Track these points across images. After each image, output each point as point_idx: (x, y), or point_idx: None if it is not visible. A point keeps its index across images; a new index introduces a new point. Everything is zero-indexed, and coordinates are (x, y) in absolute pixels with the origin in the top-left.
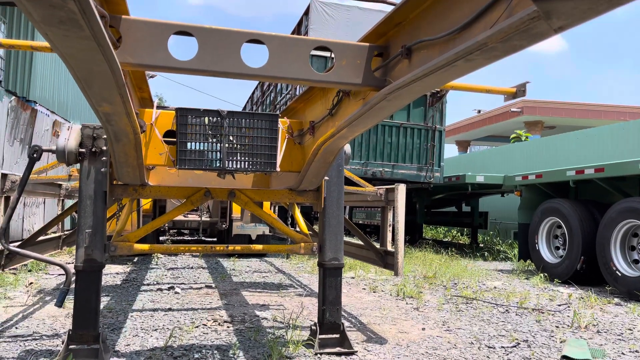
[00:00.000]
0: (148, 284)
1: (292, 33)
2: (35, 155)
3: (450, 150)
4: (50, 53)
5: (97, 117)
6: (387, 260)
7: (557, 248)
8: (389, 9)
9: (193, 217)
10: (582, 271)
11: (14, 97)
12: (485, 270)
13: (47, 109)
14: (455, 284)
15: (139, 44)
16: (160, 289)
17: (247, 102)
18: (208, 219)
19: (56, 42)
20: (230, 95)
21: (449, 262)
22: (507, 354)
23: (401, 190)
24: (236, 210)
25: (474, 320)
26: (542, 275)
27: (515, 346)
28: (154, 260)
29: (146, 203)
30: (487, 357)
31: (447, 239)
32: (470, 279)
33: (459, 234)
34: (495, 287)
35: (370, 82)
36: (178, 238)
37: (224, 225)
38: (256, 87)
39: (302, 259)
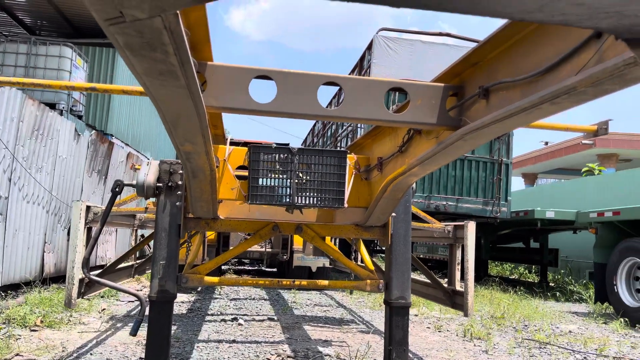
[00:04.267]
0: (212, 314)
1: (355, 67)
2: (117, 189)
3: (516, 183)
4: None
5: (177, 155)
6: (455, 300)
7: (638, 291)
8: (452, 41)
9: (255, 248)
10: None
11: (94, 131)
12: (558, 312)
13: (122, 142)
14: (526, 326)
15: (222, 88)
16: (224, 320)
17: (309, 134)
18: (270, 250)
19: (152, 90)
20: (291, 126)
21: (518, 302)
22: None
23: (471, 227)
24: (297, 241)
25: None
26: (622, 320)
27: None
28: (217, 290)
29: (211, 234)
30: None
31: (513, 277)
32: (543, 321)
33: (526, 271)
34: (570, 331)
35: (446, 121)
36: (239, 268)
37: (285, 257)
38: (317, 120)
39: (363, 294)
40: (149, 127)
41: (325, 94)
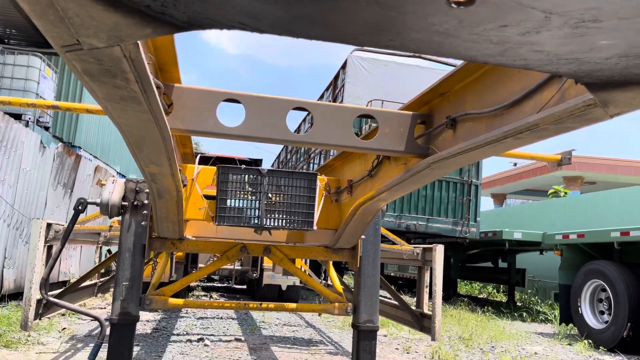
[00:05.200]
0: (178, 334)
1: (329, 86)
2: (80, 207)
3: (485, 202)
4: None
5: (142, 174)
6: (423, 323)
7: (602, 313)
8: (426, 64)
9: (225, 265)
10: (628, 339)
11: (60, 144)
12: (524, 333)
13: (90, 154)
14: (493, 347)
15: (189, 110)
16: (190, 340)
17: (282, 149)
18: (239, 268)
19: (114, 114)
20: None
21: (486, 322)
22: None
23: (439, 251)
24: (267, 259)
25: None
26: (586, 341)
27: None
28: (184, 309)
29: None
30: None
31: (482, 296)
32: (509, 343)
33: (494, 290)
34: (536, 353)
35: (413, 149)
36: (208, 284)
37: (254, 274)
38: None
39: None
40: (118, 139)
41: (294, 116)
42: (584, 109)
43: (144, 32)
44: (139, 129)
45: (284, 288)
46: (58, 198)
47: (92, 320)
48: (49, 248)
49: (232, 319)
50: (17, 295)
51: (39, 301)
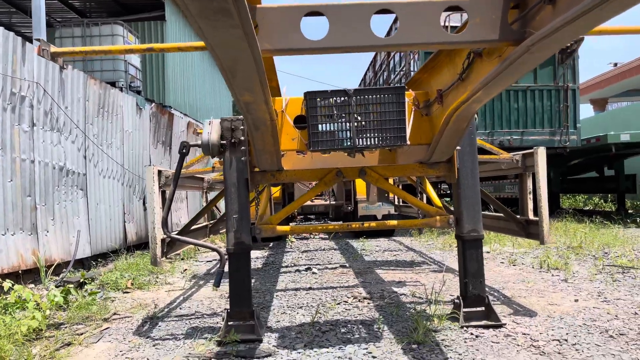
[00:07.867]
0: (286, 266)
1: None
2: (184, 150)
3: (584, 110)
4: (180, 59)
5: (238, 108)
6: (529, 230)
7: None
8: None
9: (319, 201)
10: None
11: (153, 104)
12: None
13: (181, 112)
14: (606, 253)
15: (274, 30)
16: (298, 270)
17: (360, 84)
18: (334, 202)
19: (207, 33)
20: (342, 80)
21: (596, 231)
22: None
23: (541, 153)
24: (360, 191)
25: (635, 290)
26: None
27: None
28: (288, 244)
29: (276, 191)
30: None
31: (588, 208)
32: (624, 247)
33: (601, 201)
34: None
35: (508, 36)
36: (305, 223)
37: (349, 208)
38: (368, 69)
39: (432, 237)
40: (203, 96)
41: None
42: None
43: None
44: (231, 50)
45: (379, 217)
46: (159, 155)
47: (208, 261)
48: (163, 193)
49: (334, 249)
50: (138, 246)
51: (162, 240)
